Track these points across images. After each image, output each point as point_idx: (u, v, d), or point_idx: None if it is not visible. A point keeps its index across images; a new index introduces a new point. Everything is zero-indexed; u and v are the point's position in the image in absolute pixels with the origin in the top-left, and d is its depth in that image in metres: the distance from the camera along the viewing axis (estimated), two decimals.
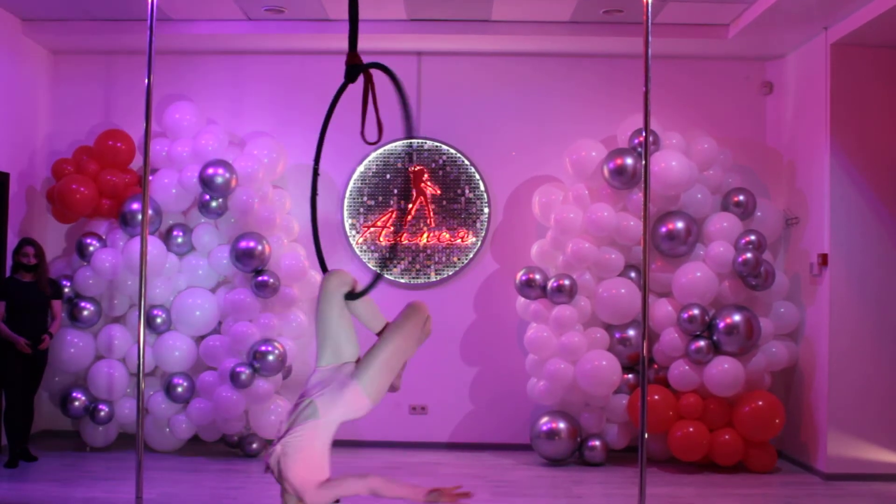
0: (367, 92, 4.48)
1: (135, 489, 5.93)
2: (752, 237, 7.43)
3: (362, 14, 7.44)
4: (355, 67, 4.42)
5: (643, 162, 5.85)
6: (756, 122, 8.35)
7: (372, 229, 8.24)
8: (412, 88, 8.35)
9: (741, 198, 7.65)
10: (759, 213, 7.76)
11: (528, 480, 7.10)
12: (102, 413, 7.59)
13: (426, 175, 8.28)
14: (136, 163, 8.05)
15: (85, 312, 7.69)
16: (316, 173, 4.47)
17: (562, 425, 7.53)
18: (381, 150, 8.19)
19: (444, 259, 8.28)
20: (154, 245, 7.43)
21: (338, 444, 8.96)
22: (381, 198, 8.26)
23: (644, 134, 5.76)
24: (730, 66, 8.33)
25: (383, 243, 8.22)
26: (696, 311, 7.31)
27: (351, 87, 4.48)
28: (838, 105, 7.25)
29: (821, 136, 7.37)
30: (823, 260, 7.28)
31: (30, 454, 7.30)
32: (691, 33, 7.73)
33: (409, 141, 8.23)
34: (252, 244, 7.47)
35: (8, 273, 7.46)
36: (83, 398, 7.67)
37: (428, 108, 8.36)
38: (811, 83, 7.61)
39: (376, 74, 4.40)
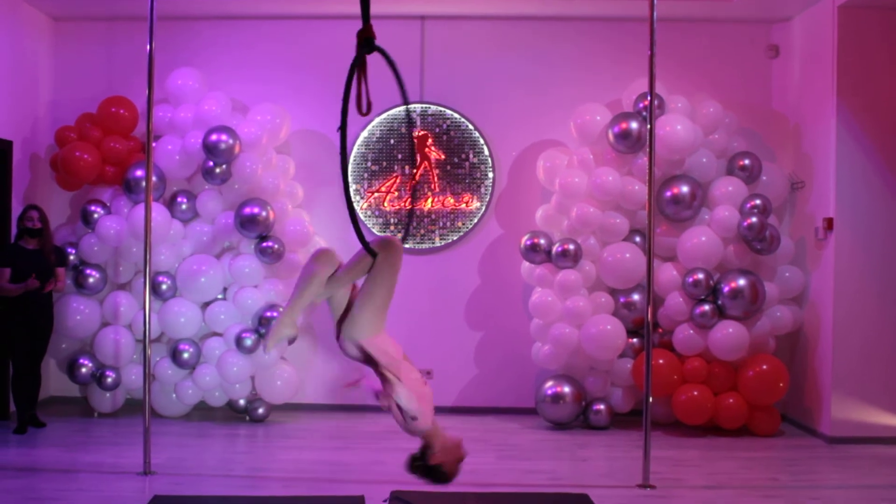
0: (357, 68, 4.51)
1: (142, 454, 6.00)
2: (758, 201, 7.40)
3: None
4: (370, 41, 4.44)
5: (648, 126, 5.82)
6: (762, 85, 8.27)
7: (376, 194, 8.23)
8: (416, 53, 8.29)
9: (746, 162, 7.62)
10: (764, 178, 7.73)
11: (533, 444, 7.14)
12: (109, 379, 7.65)
13: (430, 140, 8.25)
14: (140, 129, 8.01)
15: (90, 279, 7.71)
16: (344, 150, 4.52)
17: (566, 389, 7.56)
18: (384, 115, 8.14)
19: (448, 224, 8.27)
20: (158, 212, 7.43)
21: (342, 409, 8.99)
22: (384, 163, 8.23)
23: (649, 98, 5.73)
24: (736, 29, 8.24)
25: (388, 209, 8.21)
26: (700, 276, 7.30)
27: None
28: (845, 68, 7.18)
29: (827, 100, 7.31)
30: (829, 224, 7.26)
31: (38, 420, 7.35)
32: None
33: (412, 107, 8.19)
34: (256, 210, 7.47)
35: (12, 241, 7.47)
36: (90, 365, 7.72)
37: (431, 72, 8.30)
38: (818, 46, 7.54)
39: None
